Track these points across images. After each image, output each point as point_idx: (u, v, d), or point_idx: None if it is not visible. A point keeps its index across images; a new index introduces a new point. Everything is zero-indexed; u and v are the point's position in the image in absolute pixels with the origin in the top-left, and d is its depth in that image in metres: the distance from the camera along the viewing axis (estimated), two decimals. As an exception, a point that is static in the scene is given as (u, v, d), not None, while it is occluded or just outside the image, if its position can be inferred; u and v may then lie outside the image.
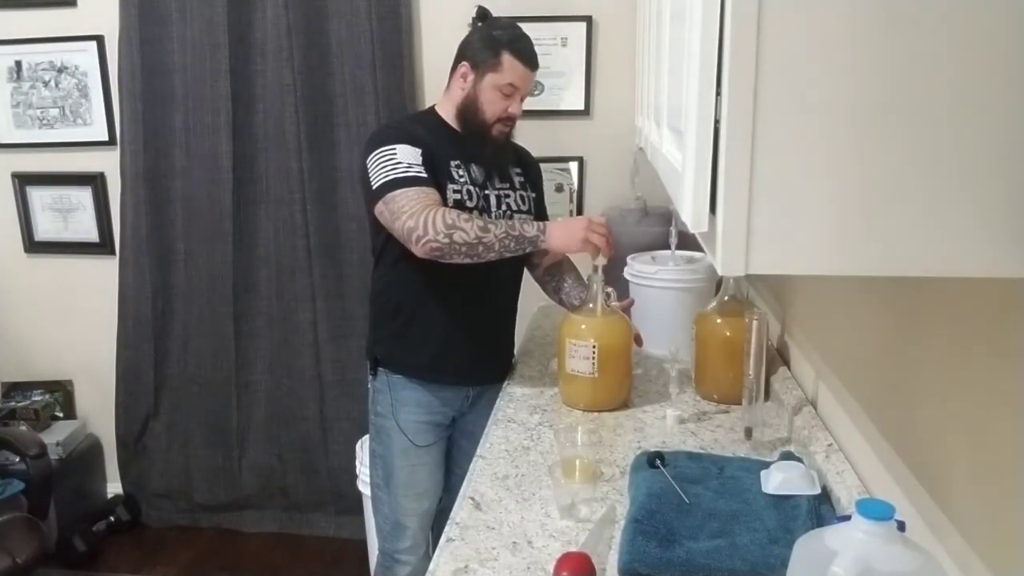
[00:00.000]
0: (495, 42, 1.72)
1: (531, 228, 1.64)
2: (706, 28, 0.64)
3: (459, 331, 1.80)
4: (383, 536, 1.90)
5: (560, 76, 2.56)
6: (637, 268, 2.04)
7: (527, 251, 1.67)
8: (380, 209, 1.65)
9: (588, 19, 2.51)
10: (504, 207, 1.82)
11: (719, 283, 1.84)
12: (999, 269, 0.61)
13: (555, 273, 1.99)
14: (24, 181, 2.89)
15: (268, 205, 2.72)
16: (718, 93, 0.64)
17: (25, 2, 2.74)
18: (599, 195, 2.61)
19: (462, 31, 1.87)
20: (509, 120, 1.77)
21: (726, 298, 1.73)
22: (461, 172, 1.74)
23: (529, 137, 2.60)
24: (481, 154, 1.77)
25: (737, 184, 0.62)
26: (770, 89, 0.60)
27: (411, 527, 1.88)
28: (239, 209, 2.72)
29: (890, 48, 0.58)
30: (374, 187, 1.65)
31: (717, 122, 0.64)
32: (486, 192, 1.77)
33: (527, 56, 1.74)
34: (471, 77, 1.74)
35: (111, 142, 2.80)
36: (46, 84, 2.80)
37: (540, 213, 1.95)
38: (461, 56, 1.77)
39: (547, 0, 2.52)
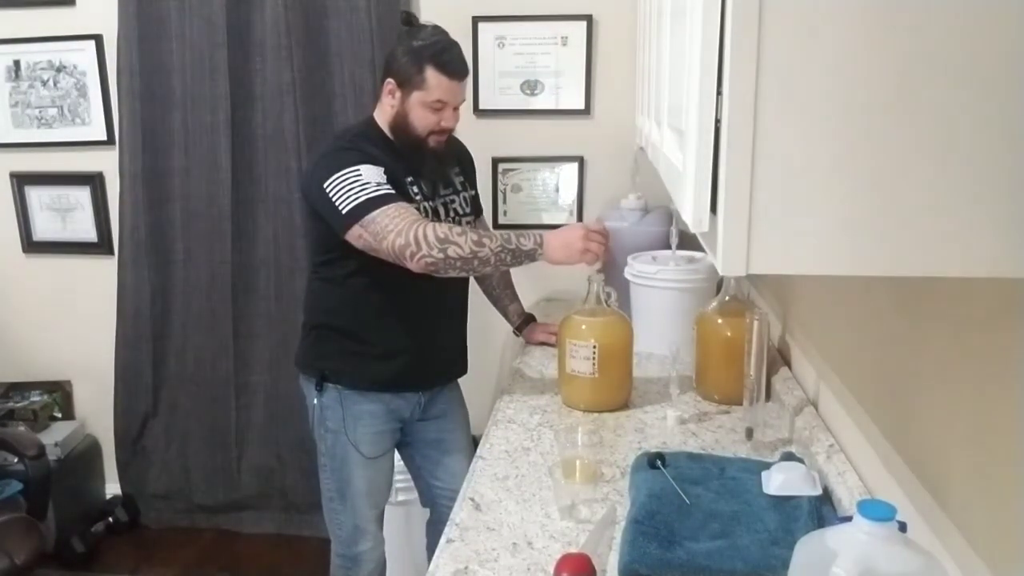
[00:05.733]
0: (418, 56, 1.66)
1: (528, 241, 1.62)
2: (707, 27, 0.64)
3: (418, 342, 1.79)
4: (342, 541, 1.90)
5: (560, 76, 2.56)
6: (638, 268, 2.04)
7: (524, 264, 1.64)
8: (358, 233, 1.60)
9: (588, 18, 2.51)
10: (452, 214, 1.82)
11: (720, 283, 1.84)
12: (999, 269, 0.61)
13: (501, 297, 2.13)
14: (22, 181, 2.88)
15: (267, 205, 2.72)
16: (719, 92, 0.63)
17: (23, 1, 2.73)
18: (599, 195, 2.60)
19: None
20: (443, 133, 1.73)
21: (727, 298, 1.73)
22: (416, 189, 1.73)
23: (529, 137, 2.61)
24: (425, 166, 1.75)
25: (738, 184, 0.62)
26: (771, 89, 0.60)
27: (371, 530, 1.90)
28: (238, 209, 2.71)
29: (890, 48, 0.58)
30: (344, 211, 1.59)
31: (718, 122, 0.64)
32: (434, 204, 1.77)
33: (452, 68, 1.68)
34: (398, 95, 1.70)
35: (110, 142, 2.80)
36: (44, 83, 2.79)
37: (477, 209, 1.96)
38: (387, 71, 1.72)
39: (547, -1, 2.52)
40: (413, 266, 1.58)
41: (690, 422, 1.64)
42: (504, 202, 2.67)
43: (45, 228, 2.92)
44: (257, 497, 2.91)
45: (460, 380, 2.00)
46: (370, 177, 1.61)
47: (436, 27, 1.73)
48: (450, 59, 1.68)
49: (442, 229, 1.58)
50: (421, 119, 1.70)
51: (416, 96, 1.68)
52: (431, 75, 1.66)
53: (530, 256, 1.62)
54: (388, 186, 1.62)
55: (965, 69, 0.57)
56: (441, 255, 1.56)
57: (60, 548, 2.73)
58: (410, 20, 1.75)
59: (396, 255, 1.58)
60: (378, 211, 1.58)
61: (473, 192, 1.94)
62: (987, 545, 0.84)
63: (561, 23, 2.53)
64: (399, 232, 1.56)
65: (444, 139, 1.76)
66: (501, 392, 1.86)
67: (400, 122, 1.72)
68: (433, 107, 1.69)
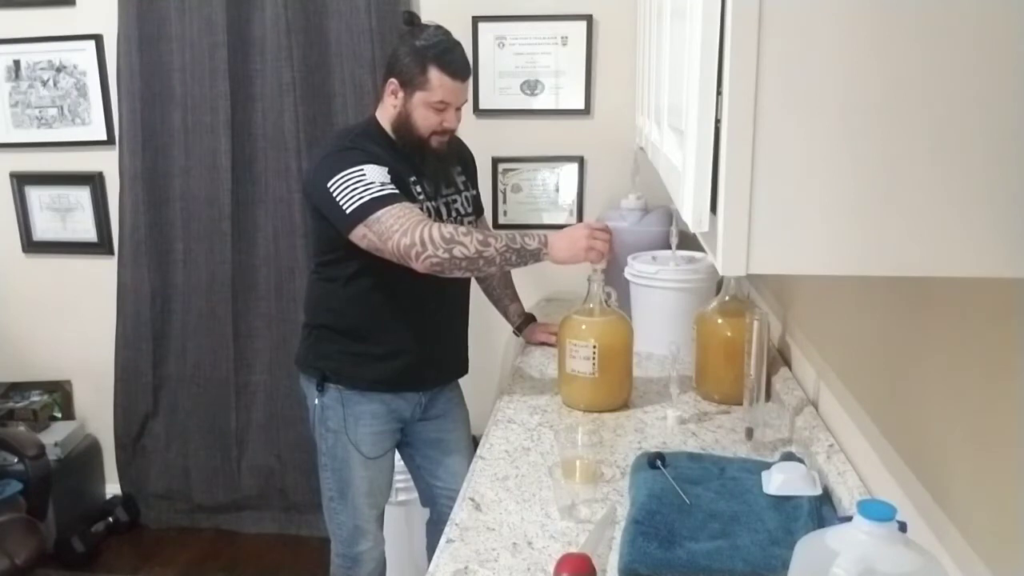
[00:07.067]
0: (421, 56, 1.66)
1: (532, 241, 1.62)
2: (707, 27, 0.64)
3: (420, 342, 1.79)
4: (342, 541, 1.90)
5: (560, 76, 2.56)
6: (638, 268, 2.04)
7: (529, 264, 1.64)
8: (362, 232, 1.59)
9: (588, 18, 2.51)
10: (454, 213, 1.82)
11: (720, 283, 1.84)
12: (999, 269, 0.61)
13: (501, 297, 2.13)
14: (22, 181, 2.88)
15: (267, 205, 2.72)
16: (719, 92, 0.63)
17: (24, 1, 2.73)
18: (599, 195, 2.60)
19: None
20: (445, 133, 1.74)
21: (727, 298, 1.73)
22: (419, 189, 1.73)
23: (529, 137, 2.61)
24: (428, 166, 1.76)
25: (738, 184, 0.62)
26: (771, 89, 0.60)
27: (371, 529, 1.90)
28: (238, 209, 2.71)
29: (890, 48, 0.58)
30: (348, 211, 1.59)
31: (718, 121, 0.64)
32: (436, 203, 1.77)
33: (455, 68, 1.67)
34: (401, 95, 1.70)
35: (109, 142, 2.80)
36: (44, 83, 2.79)
37: (478, 208, 1.96)
38: (389, 71, 1.72)
39: (547, -1, 2.52)
40: (418, 266, 1.58)
41: (690, 422, 1.64)
42: (504, 202, 2.67)
43: (45, 228, 2.92)
44: (257, 497, 2.91)
45: (460, 380, 2.00)
46: (374, 177, 1.61)
47: (439, 27, 1.72)
48: (453, 59, 1.68)
49: (447, 229, 1.57)
50: (424, 119, 1.70)
51: (419, 96, 1.68)
52: (434, 75, 1.66)
53: (535, 256, 1.62)
54: (392, 186, 1.62)
55: (965, 69, 0.57)
56: (447, 255, 1.56)
57: (60, 548, 2.73)
58: (412, 20, 1.74)
59: (401, 255, 1.58)
60: (383, 211, 1.58)
61: (475, 191, 1.94)
62: (987, 545, 0.84)
63: (561, 23, 2.53)
64: (404, 232, 1.56)
65: (446, 139, 1.76)
66: (501, 392, 1.86)
67: (403, 122, 1.72)
68: (436, 107, 1.69)
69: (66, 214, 2.89)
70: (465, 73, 1.71)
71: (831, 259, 0.63)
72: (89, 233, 2.89)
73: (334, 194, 1.61)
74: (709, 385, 1.74)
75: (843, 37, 0.58)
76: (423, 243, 1.55)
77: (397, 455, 1.96)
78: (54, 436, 2.83)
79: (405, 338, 1.78)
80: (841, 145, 0.60)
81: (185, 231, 2.77)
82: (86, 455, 3.00)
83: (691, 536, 1.15)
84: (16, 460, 2.45)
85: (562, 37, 2.53)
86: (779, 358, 1.82)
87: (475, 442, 1.79)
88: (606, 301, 1.72)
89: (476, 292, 2.04)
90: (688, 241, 1.97)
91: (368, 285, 1.74)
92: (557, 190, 2.65)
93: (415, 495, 2.11)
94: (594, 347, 1.66)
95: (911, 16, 0.57)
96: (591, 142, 2.59)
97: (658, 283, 1.99)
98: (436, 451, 1.94)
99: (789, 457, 1.31)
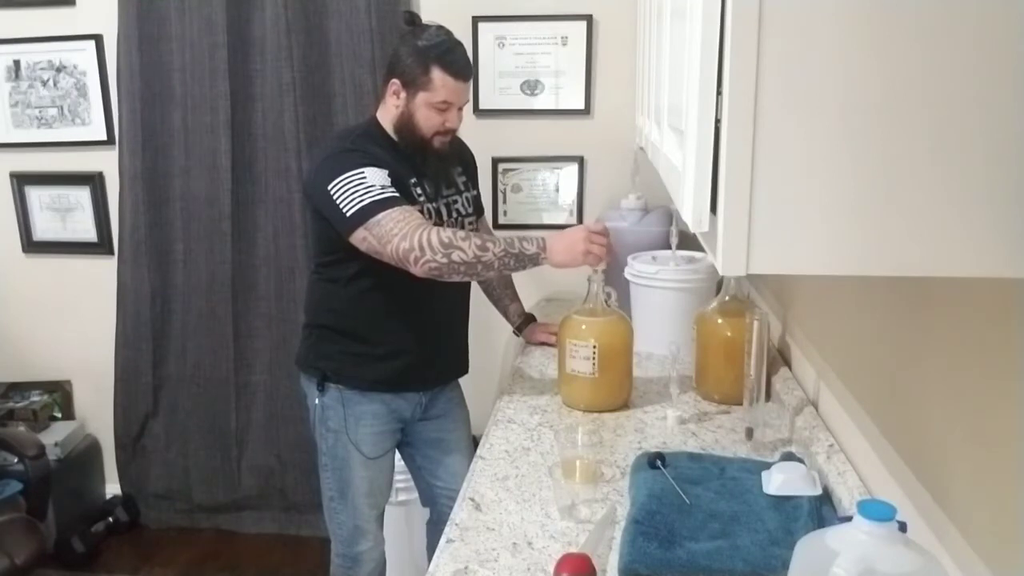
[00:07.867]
0: (424, 56, 1.66)
1: (531, 245, 1.62)
2: (707, 27, 0.64)
3: (420, 342, 1.79)
4: (342, 541, 1.90)
5: (560, 76, 2.56)
6: (638, 268, 2.04)
7: (527, 268, 1.64)
8: (362, 236, 1.60)
9: (588, 18, 2.51)
10: (455, 214, 1.82)
11: (720, 283, 1.84)
12: (999, 269, 0.61)
13: (502, 297, 2.13)
14: (22, 181, 2.88)
15: (267, 205, 2.72)
16: (719, 92, 0.63)
17: (23, 1, 2.73)
18: (599, 195, 2.60)
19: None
20: (447, 133, 1.74)
21: (727, 298, 1.73)
22: (419, 190, 1.73)
23: (529, 137, 2.61)
24: (429, 167, 1.76)
25: (738, 184, 0.62)
26: (771, 89, 0.60)
27: (371, 529, 1.90)
28: (238, 209, 2.71)
29: (890, 48, 0.58)
30: (348, 214, 1.59)
31: (718, 121, 0.64)
32: (436, 204, 1.77)
33: (457, 68, 1.68)
34: (403, 95, 1.69)
35: (109, 142, 2.80)
36: (44, 83, 2.79)
37: (479, 209, 1.96)
38: (391, 71, 1.71)
39: (547, -1, 2.52)
40: (417, 270, 1.58)
41: (690, 422, 1.64)
42: (504, 202, 2.67)
43: (45, 228, 2.92)
44: (257, 497, 2.91)
45: (460, 380, 2.00)
46: (374, 180, 1.61)
47: (440, 27, 1.72)
48: (456, 59, 1.68)
49: (446, 234, 1.57)
50: (426, 119, 1.70)
51: (422, 97, 1.68)
52: (437, 76, 1.66)
53: (533, 260, 1.62)
54: (392, 189, 1.62)
55: (965, 69, 0.57)
56: (445, 260, 1.56)
57: (60, 548, 2.73)
58: (414, 20, 1.74)
59: (400, 259, 1.58)
60: (382, 214, 1.58)
61: (475, 192, 1.94)
62: (987, 545, 0.84)
63: (561, 23, 2.53)
64: (403, 236, 1.56)
65: (448, 139, 1.76)
66: (501, 392, 1.86)
67: (405, 122, 1.72)
68: (438, 107, 1.69)
69: (66, 214, 2.89)
70: (467, 73, 1.71)
71: (831, 259, 0.63)
72: (89, 233, 2.89)
73: (334, 196, 1.61)
74: (709, 385, 1.75)
75: (843, 37, 0.58)
76: (422, 248, 1.55)
77: (397, 455, 1.96)
78: (54, 436, 2.83)
79: (406, 338, 1.78)
80: (841, 145, 0.60)
81: (185, 231, 2.77)
82: (86, 455, 3.00)
83: (691, 536, 1.15)
84: (16, 460, 2.45)
85: (562, 37, 2.53)
86: (779, 358, 1.82)
87: (475, 442, 1.79)
88: (606, 301, 1.72)
89: (476, 292, 2.04)
90: (688, 241, 1.97)
91: (369, 286, 1.74)
92: (557, 190, 2.65)
93: (415, 495, 2.11)
94: (594, 347, 1.66)
95: (911, 16, 0.57)
96: (591, 142, 2.59)
97: (658, 283, 1.99)
98: (436, 451, 1.94)
99: (789, 457, 1.31)
